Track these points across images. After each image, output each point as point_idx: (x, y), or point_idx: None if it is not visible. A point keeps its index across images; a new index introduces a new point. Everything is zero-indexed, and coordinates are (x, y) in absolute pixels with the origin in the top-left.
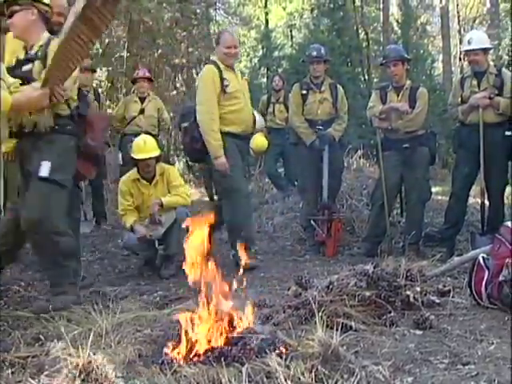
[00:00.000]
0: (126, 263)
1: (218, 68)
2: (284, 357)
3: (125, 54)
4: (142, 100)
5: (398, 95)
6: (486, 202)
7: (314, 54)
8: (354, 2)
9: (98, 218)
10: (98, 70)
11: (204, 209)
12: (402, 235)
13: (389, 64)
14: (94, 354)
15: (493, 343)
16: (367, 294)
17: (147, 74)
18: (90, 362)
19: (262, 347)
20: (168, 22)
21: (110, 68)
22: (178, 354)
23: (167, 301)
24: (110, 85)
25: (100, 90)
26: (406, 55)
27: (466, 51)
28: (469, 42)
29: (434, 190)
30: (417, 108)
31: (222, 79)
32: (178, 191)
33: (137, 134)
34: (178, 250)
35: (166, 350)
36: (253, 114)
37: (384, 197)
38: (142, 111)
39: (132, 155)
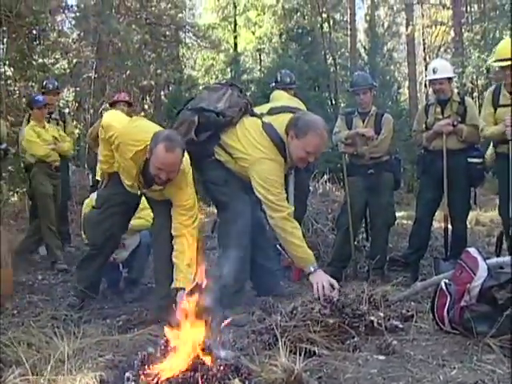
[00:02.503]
0: None
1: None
2: (247, 382)
3: (93, 74)
4: None
5: (363, 121)
6: (450, 227)
7: (288, 80)
8: (322, 28)
9: (62, 240)
10: (66, 90)
11: None
12: (367, 260)
13: (358, 92)
14: (54, 381)
15: (455, 368)
16: (331, 321)
17: (127, 98)
18: None
19: (225, 373)
20: (137, 43)
21: (78, 88)
22: (140, 380)
23: (130, 325)
24: (77, 105)
25: (67, 111)
26: (373, 82)
27: (431, 80)
28: (434, 71)
29: (399, 214)
30: (382, 134)
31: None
32: (143, 214)
33: None
34: (142, 273)
35: (128, 375)
36: None
37: (349, 221)
38: None
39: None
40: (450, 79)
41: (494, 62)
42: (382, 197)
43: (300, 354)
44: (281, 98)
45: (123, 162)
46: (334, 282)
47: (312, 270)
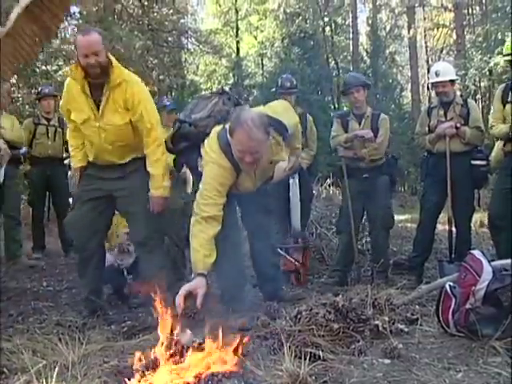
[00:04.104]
0: None
1: (237, 167)
2: None
3: None
4: None
5: (359, 123)
6: (454, 230)
7: (288, 84)
8: (324, 32)
9: (66, 247)
10: None
11: None
12: (371, 263)
13: (351, 90)
14: None
15: (460, 371)
16: (335, 325)
17: None
18: None
19: (229, 378)
20: (139, 49)
21: None
22: None
23: (135, 331)
24: None
25: None
26: (366, 81)
27: (434, 83)
28: (436, 74)
29: (403, 217)
30: (380, 136)
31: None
32: None
33: None
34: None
35: (133, 382)
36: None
37: (350, 225)
38: None
39: None
40: (452, 82)
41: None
42: (379, 200)
43: (305, 359)
44: (275, 106)
45: (73, 104)
46: (198, 291)
47: (192, 276)
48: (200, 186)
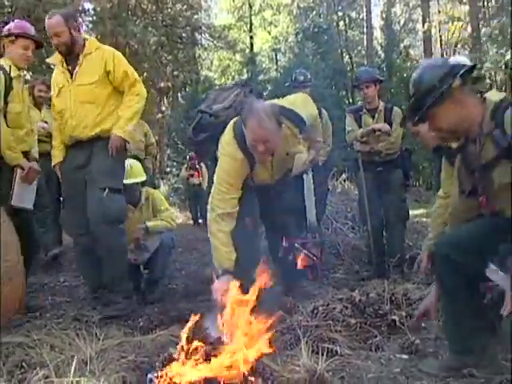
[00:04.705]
0: None
1: (251, 158)
2: (269, 383)
3: None
4: None
5: (372, 118)
6: None
7: (302, 78)
8: (338, 26)
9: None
10: None
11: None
12: (386, 257)
13: (361, 86)
14: (78, 383)
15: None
16: (352, 320)
17: None
18: None
19: (247, 373)
20: (154, 45)
21: None
22: (163, 381)
23: (152, 326)
24: None
25: None
26: (378, 76)
27: None
28: None
29: (418, 212)
30: (394, 130)
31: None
32: (163, 215)
33: None
34: (163, 274)
35: (150, 376)
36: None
37: (371, 219)
38: None
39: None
40: None
41: None
42: (393, 193)
43: (322, 354)
44: (293, 99)
45: (54, 83)
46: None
47: (219, 273)
48: (214, 179)
